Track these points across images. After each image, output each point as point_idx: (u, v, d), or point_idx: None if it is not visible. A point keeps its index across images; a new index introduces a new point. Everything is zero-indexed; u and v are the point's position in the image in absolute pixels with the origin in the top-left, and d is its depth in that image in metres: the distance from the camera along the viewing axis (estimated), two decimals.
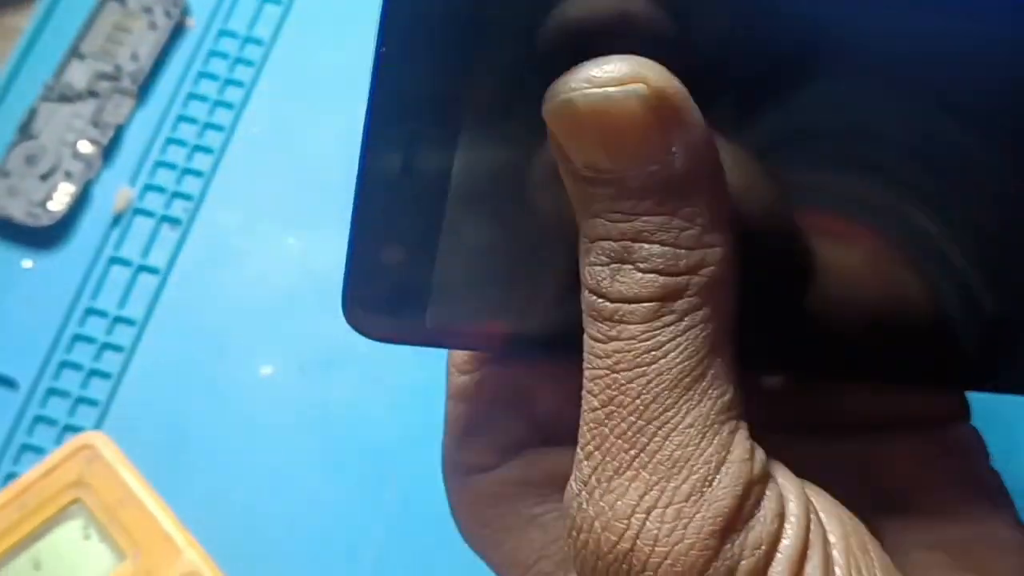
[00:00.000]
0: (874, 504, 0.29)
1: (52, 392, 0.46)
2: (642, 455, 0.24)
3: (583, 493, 0.25)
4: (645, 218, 0.24)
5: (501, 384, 0.30)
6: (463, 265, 0.30)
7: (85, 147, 0.50)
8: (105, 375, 0.47)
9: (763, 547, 0.24)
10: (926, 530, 0.30)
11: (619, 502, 0.24)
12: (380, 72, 0.27)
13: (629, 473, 0.24)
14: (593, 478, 0.25)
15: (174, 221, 0.50)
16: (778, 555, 0.24)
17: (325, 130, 0.51)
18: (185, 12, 0.53)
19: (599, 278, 0.25)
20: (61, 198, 0.49)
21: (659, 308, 0.24)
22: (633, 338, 0.24)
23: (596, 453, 0.25)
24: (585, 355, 0.25)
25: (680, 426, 0.24)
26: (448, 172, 0.28)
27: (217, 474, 0.45)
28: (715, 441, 0.24)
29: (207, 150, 0.51)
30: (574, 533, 0.25)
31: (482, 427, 0.30)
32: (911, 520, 0.30)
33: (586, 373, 0.25)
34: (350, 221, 0.28)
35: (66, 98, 0.51)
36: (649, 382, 0.24)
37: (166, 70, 0.52)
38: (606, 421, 0.25)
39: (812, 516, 0.25)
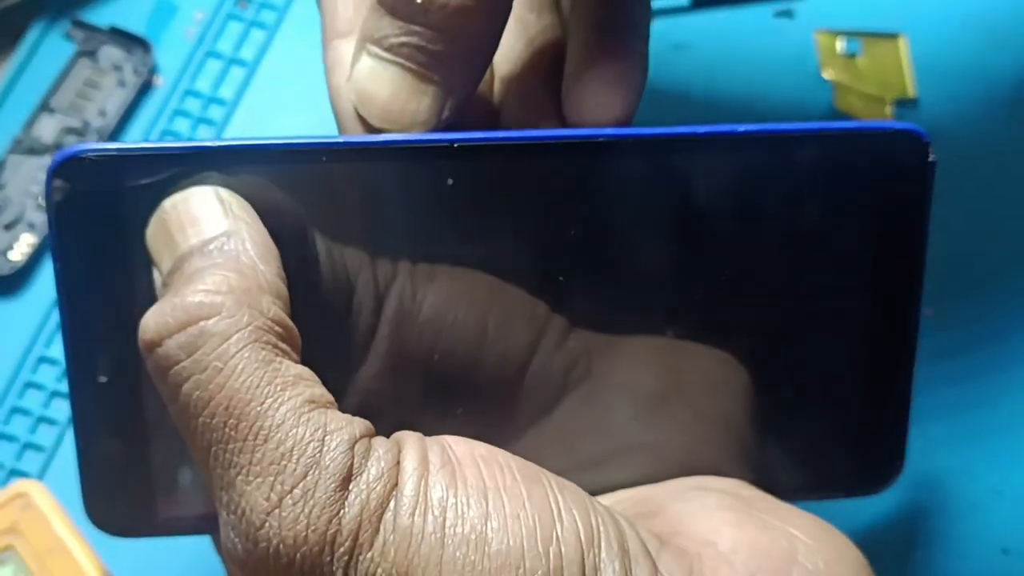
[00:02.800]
0: None
1: (1, 437, 0.48)
2: (253, 467, 0.27)
3: (228, 529, 0.28)
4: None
5: None
6: (177, 456, 0.32)
7: None
8: (53, 422, 0.49)
9: (384, 476, 0.27)
10: None
11: (252, 514, 0.27)
12: (62, 291, 0.31)
13: (250, 488, 0.27)
14: (226, 512, 0.28)
15: None
16: (403, 475, 0.28)
17: None
18: (154, 71, 0.56)
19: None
20: (22, 248, 0.51)
21: (199, 336, 0.28)
22: (193, 376, 0.28)
23: (221, 494, 0.28)
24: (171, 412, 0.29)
25: (273, 426, 0.27)
26: (140, 370, 0.31)
27: None
28: (310, 424, 0.27)
29: None
30: (245, 568, 0.28)
31: None
32: None
33: (180, 428, 0.29)
34: (72, 424, 0.32)
35: (33, 151, 0.54)
36: (227, 408, 0.27)
37: (131, 127, 0.55)
38: (213, 461, 0.28)
39: (436, 447, 0.29)
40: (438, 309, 0.33)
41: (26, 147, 0.54)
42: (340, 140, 0.32)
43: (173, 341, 0.28)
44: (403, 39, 0.32)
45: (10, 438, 0.49)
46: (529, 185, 0.32)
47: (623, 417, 0.34)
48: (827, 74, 0.56)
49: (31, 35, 0.56)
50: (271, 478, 0.27)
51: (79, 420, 0.32)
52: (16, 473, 0.48)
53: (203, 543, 0.46)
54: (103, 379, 0.31)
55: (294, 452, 0.27)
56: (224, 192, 0.31)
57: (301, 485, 0.27)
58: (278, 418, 0.27)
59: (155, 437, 0.32)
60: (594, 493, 0.34)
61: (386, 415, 0.31)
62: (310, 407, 0.28)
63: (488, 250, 0.33)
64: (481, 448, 0.29)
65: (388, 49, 0.32)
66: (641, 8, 0.35)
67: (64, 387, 0.49)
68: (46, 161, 0.53)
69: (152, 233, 0.31)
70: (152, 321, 0.28)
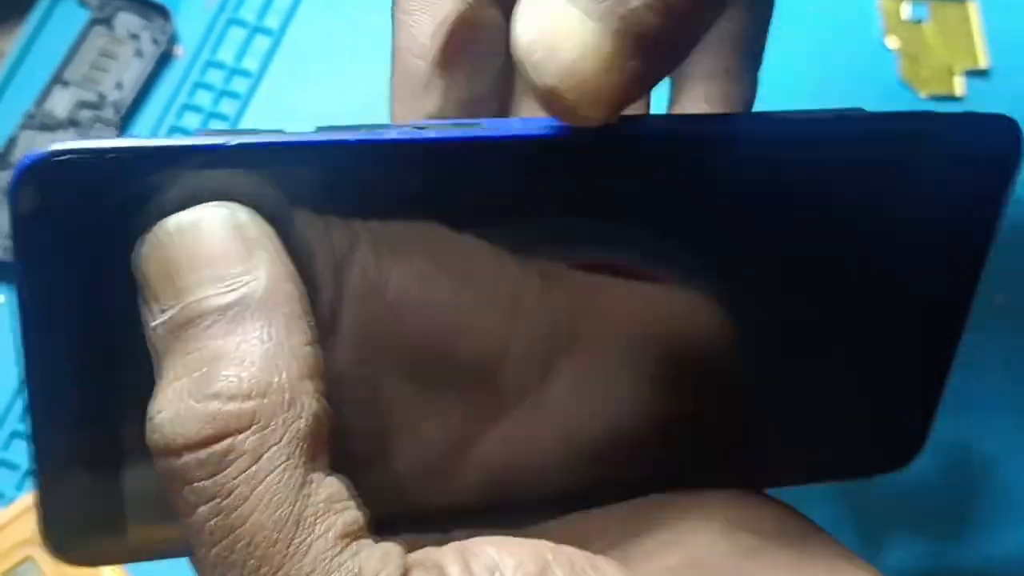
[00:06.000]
0: None
1: (15, 435, 0.46)
2: None
3: None
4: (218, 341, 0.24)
5: None
6: (150, 474, 0.28)
7: None
8: None
9: None
10: None
11: None
12: (26, 321, 0.26)
13: None
14: None
15: None
16: None
17: None
18: (173, 40, 0.52)
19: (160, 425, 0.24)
20: None
21: (227, 454, 0.23)
22: (214, 500, 0.24)
23: None
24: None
25: (301, 574, 0.24)
26: (112, 385, 0.27)
27: None
28: (343, 570, 0.24)
29: None
30: None
31: None
32: None
33: (191, 542, 0.24)
34: (32, 456, 0.27)
35: (47, 127, 0.50)
36: (249, 545, 0.24)
37: (150, 101, 0.51)
38: None
39: (480, 568, 0.25)
40: (406, 284, 0.28)
41: (39, 122, 0.50)
42: (409, 137, 0.27)
43: (194, 458, 0.24)
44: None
45: (26, 436, 0.46)
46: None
47: (616, 391, 0.31)
48: (891, 42, 0.52)
49: (43, 1, 0.52)
50: None
51: (40, 453, 0.27)
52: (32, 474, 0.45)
53: None
54: (70, 417, 0.27)
55: None
56: (243, 214, 0.25)
57: None
58: (307, 565, 0.24)
59: (127, 463, 0.28)
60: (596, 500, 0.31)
61: (360, 405, 0.28)
62: (343, 544, 0.24)
63: (455, 217, 0.28)
64: (530, 564, 0.26)
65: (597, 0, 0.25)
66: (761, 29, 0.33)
67: None
68: (59, 137, 0.50)
69: (147, 260, 0.25)
70: (168, 424, 0.24)
